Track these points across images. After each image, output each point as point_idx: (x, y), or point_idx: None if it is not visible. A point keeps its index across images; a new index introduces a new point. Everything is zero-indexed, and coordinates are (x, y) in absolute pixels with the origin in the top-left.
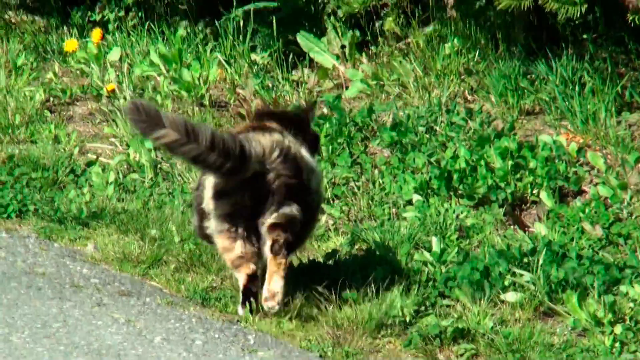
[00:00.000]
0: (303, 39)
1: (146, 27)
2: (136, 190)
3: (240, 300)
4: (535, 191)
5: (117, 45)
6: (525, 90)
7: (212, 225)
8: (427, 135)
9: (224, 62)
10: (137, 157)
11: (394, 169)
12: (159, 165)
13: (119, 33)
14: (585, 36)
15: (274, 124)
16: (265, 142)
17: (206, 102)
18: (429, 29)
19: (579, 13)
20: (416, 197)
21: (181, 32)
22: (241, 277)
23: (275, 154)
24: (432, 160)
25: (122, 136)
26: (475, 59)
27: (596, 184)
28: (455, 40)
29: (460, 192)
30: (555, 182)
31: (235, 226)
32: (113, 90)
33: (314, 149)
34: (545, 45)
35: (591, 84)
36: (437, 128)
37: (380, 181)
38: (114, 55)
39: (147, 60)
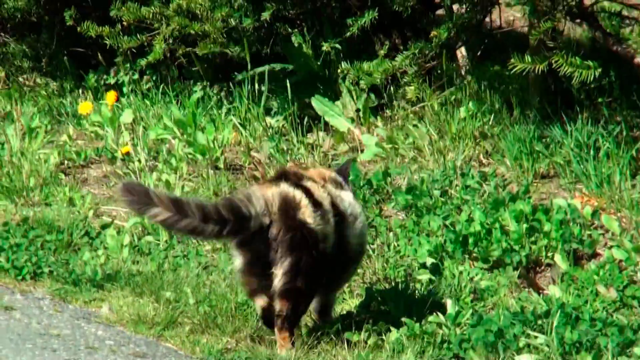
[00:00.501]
0: (318, 103)
1: (160, 90)
2: (151, 252)
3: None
4: (549, 254)
5: (130, 107)
6: (540, 154)
7: (235, 263)
8: (442, 199)
9: (238, 125)
10: None
11: (408, 232)
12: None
13: (133, 96)
14: (600, 100)
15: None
16: (267, 195)
17: (221, 165)
18: (444, 93)
19: (592, 77)
20: (430, 260)
21: (196, 94)
22: (257, 308)
23: (276, 207)
24: (447, 223)
25: None
26: (490, 123)
27: (610, 247)
28: (470, 104)
29: (475, 255)
30: (569, 245)
31: (254, 271)
32: (127, 153)
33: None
34: (560, 109)
35: (606, 147)
36: (452, 191)
37: (395, 244)
38: (127, 117)
39: (161, 124)
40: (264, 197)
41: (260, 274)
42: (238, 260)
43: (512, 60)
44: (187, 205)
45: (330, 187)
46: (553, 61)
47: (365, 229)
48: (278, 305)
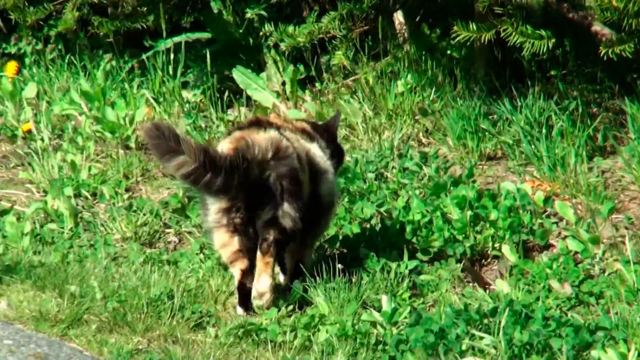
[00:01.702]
0: (239, 75)
1: (66, 61)
2: (54, 241)
3: (237, 298)
4: (496, 245)
5: (33, 80)
6: (486, 133)
7: (210, 219)
8: (377, 183)
9: (152, 100)
10: (56, 205)
11: (339, 219)
12: (79, 215)
13: (36, 67)
14: (553, 72)
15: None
16: (261, 142)
17: (132, 144)
18: (379, 63)
19: (546, 47)
20: (364, 252)
21: (105, 65)
22: (236, 273)
23: (270, 154)
24: (382, 210)
25: (39, 182)
26: (430, 98)
27: (565, 237)
28: (409, 77)
29: (413, 245)
30: (519, 235)
31: (233, 221)
32: (29, 131)
33: (338, 159)
34: (509, 82)
35: (560, 125)
36: (388, 174)
37: (325, 234)
38: (31, 91)
39: (67, 98)
40: (258, 143)
41: (246, 223)
42: (214, 217)
43: (455, 27)
44: (218, 159)
45: (303, 139)
46: (501, 30)
47: (334, 183)
48: (265, 232)
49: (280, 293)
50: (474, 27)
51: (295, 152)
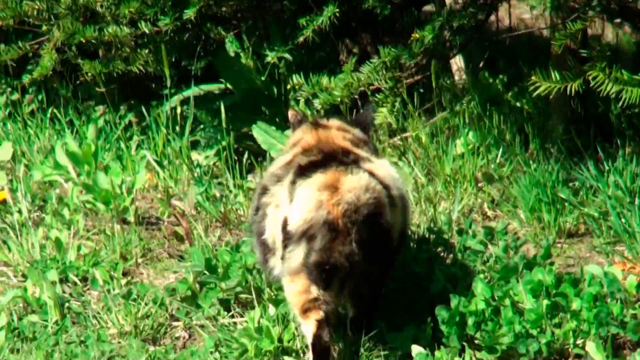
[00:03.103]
0: (261, 132)
1: (49, 115)
2: (36, 337)
3: (311, 358)
4: (579, 341)
5: (8, 139)
6: (566, 204)
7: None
8: (432, 265)
9: (154, 163)
10: (37, 292)
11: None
12: (66, 304)
13: (11, 123)
14: None
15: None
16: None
17: (131, 218)
18: (434, 119)
19: None
20: (417, 349)
21: (97, 120)
22: (310, 326)
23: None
24: (438, 298)
25: (16, 264)
26: (497, 161)
27: None
28: (470, 135)
29: (477, 342)
30: (606, 328)
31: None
32: (4, 201)
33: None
34: (594, 142)
35: None
36: (445, 255)
37: None
38: (5, 152)
39: (50, 161)
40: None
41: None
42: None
43: (534, 77)
44: None
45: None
46: (590, 78)
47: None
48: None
49: None
50: (556, 75)
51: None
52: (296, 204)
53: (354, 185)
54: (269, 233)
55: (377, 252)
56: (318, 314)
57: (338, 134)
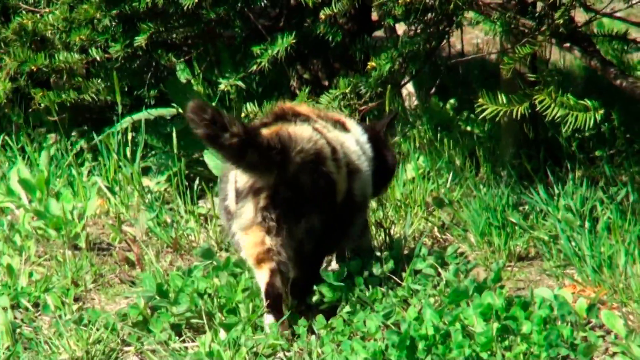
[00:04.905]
0: (212, 159)
1: (0, 141)
2: None
3: (265, 305)
4: None
5: None
6: (517, 228)
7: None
8: (383, 289)
9: (105, 190)
10: None
11: (337, 334)
12: (18, 330)
13: None
14: (598, 153)
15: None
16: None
17: (82, 244)
18: None
19: (592, 121)
20: None
21: (48, 148)
22: (263, 274)
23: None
24: (389, 322)
25: None
26: (447, 185)
27: (613, 355)
28: (421, 160)
29: None
30: (557, 351)
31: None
32: None
33: (384, 171)
34: (544, 165)
35: (607, 218)
36: (396, 279)
37: (319, 351)
38: None
39: (1, 187)
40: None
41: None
42: (250, 214)
43: (481, 100)
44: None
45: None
46: (537, 101)
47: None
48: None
49: None
50: (504, 98)
51: (330, 145)
52: None
53: (296, 131)
54: (230, 198)
55: (319, 200)
56: (271, 264)
57: (304, 106)
